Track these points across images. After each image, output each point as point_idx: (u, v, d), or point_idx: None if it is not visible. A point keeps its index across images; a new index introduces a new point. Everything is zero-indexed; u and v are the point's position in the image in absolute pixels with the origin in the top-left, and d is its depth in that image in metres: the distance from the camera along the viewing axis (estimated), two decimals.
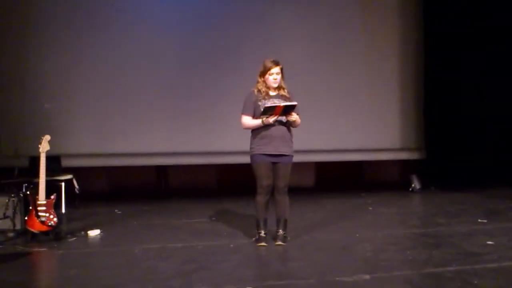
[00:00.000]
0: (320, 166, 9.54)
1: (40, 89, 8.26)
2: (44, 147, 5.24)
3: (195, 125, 8.71)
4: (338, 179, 9.55)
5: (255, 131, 4.94)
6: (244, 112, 4.98)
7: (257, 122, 4.88)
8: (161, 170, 9.04)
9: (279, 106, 4.75)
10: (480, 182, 8.77)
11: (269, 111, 4.77)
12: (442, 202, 7.70)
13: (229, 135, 8.29)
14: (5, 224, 5.36)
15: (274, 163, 4.92)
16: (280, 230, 5.03)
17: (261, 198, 4.96)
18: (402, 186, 9.00)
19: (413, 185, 8.83)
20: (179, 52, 8.75)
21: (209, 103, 8.72)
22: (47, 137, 5.31)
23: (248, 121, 4.95)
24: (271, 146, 4.87)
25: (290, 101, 4.90)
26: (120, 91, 8.52)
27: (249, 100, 4.98)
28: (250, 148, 4.97)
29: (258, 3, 9.05)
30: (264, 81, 4.95)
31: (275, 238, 5.03)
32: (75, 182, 7.13)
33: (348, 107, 9.31)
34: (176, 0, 8.90)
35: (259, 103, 4.88)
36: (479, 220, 6.13)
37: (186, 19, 8.82)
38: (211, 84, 8.74)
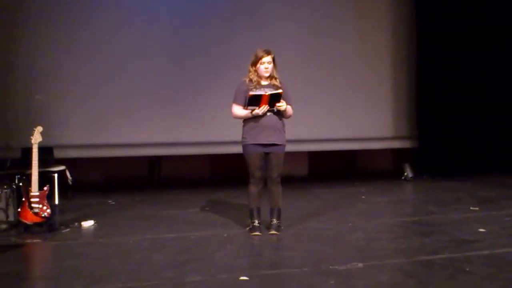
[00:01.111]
0: (313, 156, 9.55)
1: (32, 80, 8.20)
2: (36, 138, 5.22)
3: (188, 115, 8.68)
4: (331, 169, 9.57)
5: (247, 121, 4.93)
6: (235, 101, 4.97)
7: (247, 112, 4.87)
8: (154, 160, 9.03)
9: (264, 95, 4.73)
10: (472, 170, 8.82)
11: (254, 100, 4.75)
12: (434, 190, 7.75)
13: (222, 125, 8.28)
14: None
15: (266, 153, 4.93)
16: (274, 220, 5.04)
17: (253, 188, 4.97)
18: (395, 175, 9.03)
19: (405, 174, 8.87)
20: (172, 42, 8.70)
21: (202, 93, 8.69)
22: (39, 128, 5.28)
23: (238, 111, 4.95)
24: (263, 135, 4.87)
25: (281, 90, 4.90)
26: (113, 81, 8.47)
27: (240, 89, 4.96)
28: (242, 138, 4.97)
29: None
30: (256, 71, 4.94)
31: (268, 227, 5.05)
32: (68, 173, 7.10)
33: (340, 96, 9.31)
34: None
35: (250, 92, 4.86)
36: (471, 208, 6.18)
37: (177, 9, 8.77)
38: (203, 74, 8.71)
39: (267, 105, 4.77)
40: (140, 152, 8.66)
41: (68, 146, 8.05)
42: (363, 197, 7.21)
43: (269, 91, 4.78)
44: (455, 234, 4.88)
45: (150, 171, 9.06)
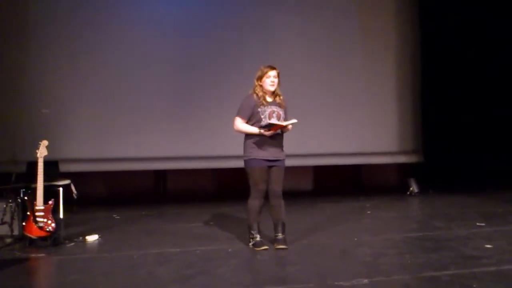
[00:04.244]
0: (318, 170, 9.54)
1: (37, 94, 8.26)
2: (41, 152, 5.23)
3: (193, 129, 8.71)
4: (336, 183, 9.55)
5: (253, 136, 4.94)
6: (241, 115, 4.97)
7: (253, 130, 4.90)
8: (159, 174, 9.04)
9: (280, 125, 4.79)
10: (478, 185, 8.77)
11: (269, 126, 4.82)
12: (440, 205, 7.71)
13: (227, 139, 8.27)
14: (3, 230, 5.34)
15: (269, 167, 4.95)
16: (280, 234, 5.02)
17: (256, 202, 4.96)
18: (400, 190, 9.00)
19: (411, 189, 8.84)
20: (178, 57, 8.75)
21: (207, 107, 8.73)
22: (45, 142, 5.30)
23: (243, 125, 4.95)
24: (269, 152, 4.91)
25: (284, 108, 5.01)
26: (118, 95, 8.52)
27: (247, 104, 4.96)
28: (248, 152, 4.96)
29: (256, 7, 9.07)
30: (261, 85, 4.96)
31: (274, 242, 5.02)
32: (73, 187, 7.11)
33: (345, 111, 9.32)
34: (174, 4, 8.91)
35: (259, 109, 4.89)
36: (478, 224, 6.13)
37: (184, 24, 8.84)
38: (208, 88, 8.75)
39: (276, 130, 4.87)
40: (145, 166, 8.68)
41: (74, 160, 8.08)
42: (369, 212, 7.18)
43: (284, 122, 4.83)
44: (461, 250, 4.84)
45: (155, 185, 9.06)
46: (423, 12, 9.45)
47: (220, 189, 9.13)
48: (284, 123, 4.81)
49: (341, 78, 9.34)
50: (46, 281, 4.41)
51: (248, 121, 4.94)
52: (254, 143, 4.92)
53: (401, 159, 9.77)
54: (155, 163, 8.70)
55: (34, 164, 5.29)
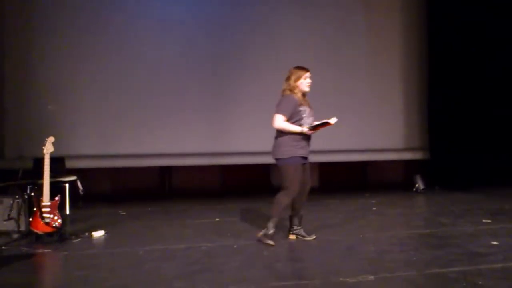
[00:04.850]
0: (324, 167, 9.53)
1: (44, 90, 8.28)
2: (48, 148, 5.25)
3: (199, 126, 8.71)
4: (341, 180, 9.54)
5: (291, 134, 4.97)
6: (284, 113, 4.97)
7: (295, 128, 4.94)
8: (165, 171, 9.05)
9: (330, 123, 4.91)
10: (484, 182, 8.74)
11: (323, 124, 4.93)
12: (446, 202, 7.69)
13: (232, 136, 8.31)
14: (10, 226, 5.37)
15: (302, 165, 5.05)
16: (302, 227, 5.25)
17: (288, 200, 5.04)
18: (406, 187, 8.98)
19: (417, 185, 8.82)
20: (183, 53, 8.75)
21: (213, 104, 8.72)
22: (51, 139, 5.32)
23: (286, 123, 4.97)
24: (304, 150, 5.03)
25: (312, 108, 5.12)
26: (124, 92, 8.53)
27: (291, 103, 4.99)
28: (285, 150, 4.98)
29: (262, 6, 9.04)
30: (298, 86, 5.02)
31: (297, 235, 5.22)
32: (79, 183, 7.13)
33: (351, 108, 9.30)
34: (178, 2, 8.90)
35: (300, 108, 4.96)
36: (484, 220, 6.12)
37: (189, 20, 8.83)
38: (214, 85, 8.75)
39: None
40: (151, 163, 8.69)
41: (80, 157, 8.11)
42: (374, 208, 7.17)
43: (331, 120, 4.92)
44: (467, 247, 4.83)
45: (160, 182, 9.08)
46: (431, 9, 9.40)
47: (226, 185, 9.13)
48: (331, 121, 4.89)
49: (347, 75, 9.31)
50: (52, 277, 4.43)
51: (288, 120, 4.97)
52: (293, 141, 4.97)
53: (407, 156, 9.74)
54: (161, 159, 8.71)
55: (41, 160, 5.32)
